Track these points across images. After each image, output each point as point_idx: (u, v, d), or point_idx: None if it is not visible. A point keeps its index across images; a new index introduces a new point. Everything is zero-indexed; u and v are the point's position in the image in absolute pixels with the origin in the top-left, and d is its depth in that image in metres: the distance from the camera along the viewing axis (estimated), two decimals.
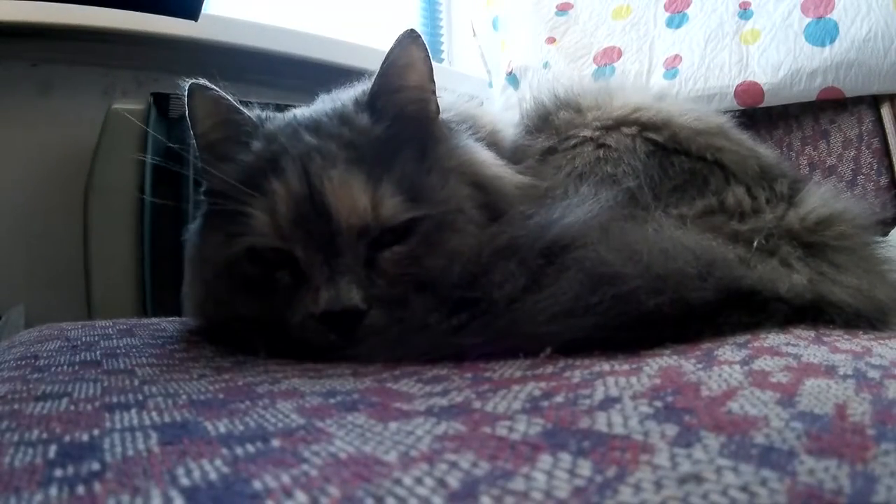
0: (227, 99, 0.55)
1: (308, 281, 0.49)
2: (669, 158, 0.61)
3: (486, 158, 0.59)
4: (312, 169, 0.49)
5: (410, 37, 0.53)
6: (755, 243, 0.54)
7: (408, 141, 0.53)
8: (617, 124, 0.64)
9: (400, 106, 0.55)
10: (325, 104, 0.59)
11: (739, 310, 0.48)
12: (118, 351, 0.52)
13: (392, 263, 0.49)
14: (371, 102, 0.55)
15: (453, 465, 0.22)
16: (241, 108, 0.55)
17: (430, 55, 0.55)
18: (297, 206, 0.49)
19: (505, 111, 1.38)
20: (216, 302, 0.56)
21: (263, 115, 0.57)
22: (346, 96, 0.59)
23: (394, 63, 0.54)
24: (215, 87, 0.54)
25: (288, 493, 0.20)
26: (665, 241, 0.48)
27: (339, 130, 0.52)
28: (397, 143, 0.52)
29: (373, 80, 0.56)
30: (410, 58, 0.54)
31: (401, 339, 0.44)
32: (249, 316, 0.51)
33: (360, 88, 0.59)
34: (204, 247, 0.56)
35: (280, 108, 0.61)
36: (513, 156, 0.64)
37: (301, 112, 0.59)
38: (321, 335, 0.47)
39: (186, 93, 0.54)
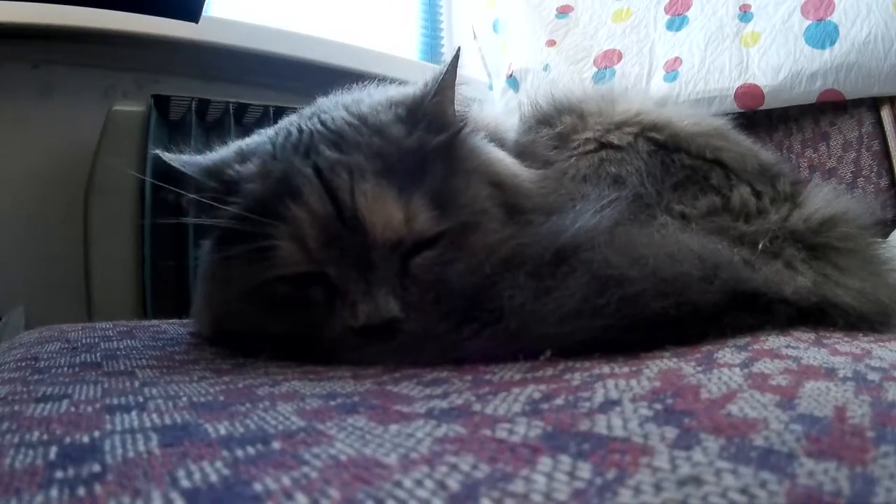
0: (198, 163, 0.54)
1: (342, 295, 0.48)
2: (670, 156, 0.62)
3: (502, 157, 0.59)
4: (338, 184, 0.48)
5: (458, 54, 0.54)
6: (760, 245, 0.55)
7: (437, 149, 0.52)
8: (619, 126, 0.65)
9: (437, 116, 0.54)
10: (336, 111, 0.55)
11: (744, 312, 0.48)
12: (118, 353, 0.52)
13: (423, 269, 0.49)
14: (412, 114, 0.53)
15: (453, 467, 0.22)
16: (215, 166, 0.53)
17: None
18: (326, 228, 0.47)
19: (505, 113, 1.38)
20: (241, 319, 0.53)
21: (237, 148, 0.55)
22: (368, 103, 0.55)
23: (445, 80, 0.53)
24: (177, 156, 0.55)
25: (288, 496, 0.20)
26: (671, 245, 0.48)
27: (369, 140, 0.50)
28: (429, 153, 0.51)
29: (417, 91, 0.54)
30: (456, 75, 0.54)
31: (407, 347, 0.44)
32: (281, 333, 0.50)
33: (387, 95, 0.56)
34: (224, 271, 0.54)
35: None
36: (517, 155, 0.64)
37: (305, 122, 0.55)
38: (359, 346, 0.46)
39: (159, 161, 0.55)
